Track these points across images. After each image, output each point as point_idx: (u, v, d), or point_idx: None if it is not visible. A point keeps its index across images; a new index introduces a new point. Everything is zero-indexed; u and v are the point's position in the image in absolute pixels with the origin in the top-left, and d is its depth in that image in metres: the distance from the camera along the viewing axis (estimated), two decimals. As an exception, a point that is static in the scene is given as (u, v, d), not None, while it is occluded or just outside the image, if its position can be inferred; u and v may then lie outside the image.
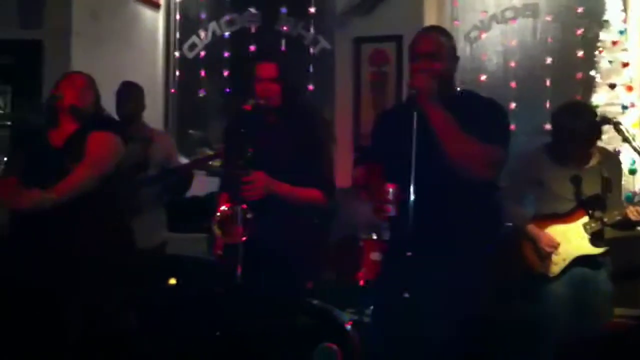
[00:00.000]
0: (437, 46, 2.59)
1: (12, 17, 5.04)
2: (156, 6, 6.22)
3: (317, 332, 3.38)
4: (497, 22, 5.49)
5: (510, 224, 3.61)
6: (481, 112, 2.56)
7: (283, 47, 5.91)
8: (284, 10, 5.96)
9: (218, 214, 2.88)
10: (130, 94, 4.19)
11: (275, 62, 3.07)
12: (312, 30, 5.88)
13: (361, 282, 3.67)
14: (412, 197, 2.36)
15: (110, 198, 3.16)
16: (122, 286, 3.14)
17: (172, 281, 4.02)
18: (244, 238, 2.79)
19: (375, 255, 3.61)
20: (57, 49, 5.16)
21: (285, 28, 5.97)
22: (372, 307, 3.24)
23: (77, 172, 3.04)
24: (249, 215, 2.83)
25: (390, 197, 2.42)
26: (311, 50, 5.89)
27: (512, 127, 4.95)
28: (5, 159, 3.88)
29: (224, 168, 3.29)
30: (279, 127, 3.02)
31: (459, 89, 2.73)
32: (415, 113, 2.41)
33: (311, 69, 5.82)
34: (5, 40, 5.06)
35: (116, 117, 4.00)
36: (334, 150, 3.30)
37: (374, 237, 3.77)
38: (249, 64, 3.12)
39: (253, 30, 6.06)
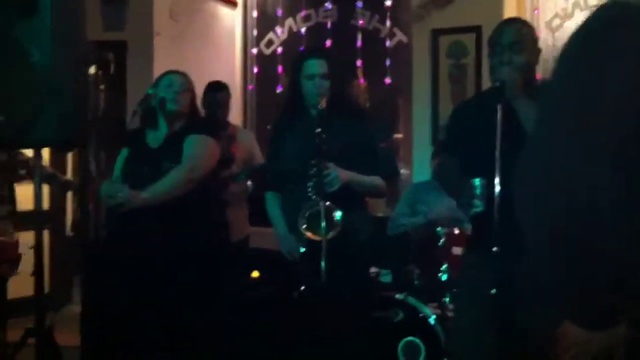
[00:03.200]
0: (520, 37, 2.54)
1: (97, 19, 5.21)
2: (233, 4, 6.31)
3: (401, 326, 3.37)
4: (580, 10, 5.31)
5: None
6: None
7: (359, 42, 5.90)
8: (359, 4, 5.95)
9: (305, 211, 2.88)
10: (222, 97, 4.25)
11: (324, 58, 3.08)
12: (388, 23, 5.85)
13: (444, 277, 3.63)
14: (497, 192, 2.32)
15: (204, 195, 3.21)
16: (213, 280, 3.20)
17: (255, 274, 4.08)
18: (330, 235, 2.80)
19: (457, 250, 3.57)
20: (139, 49, 5.31)
21: (361, 22, 5.96)
22: (455, 302, 3.21)
23: (173, 175, 3.09)
24: (336, 213, 2.83)
25: (478, 191, 2.38)
26: (387, 43, 5.86)
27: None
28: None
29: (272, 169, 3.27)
30: (330, 122, 3.02)
31: (541, 80, 2.67)
32: (499, 106, 2.37)
33: (388, 63, 5.80)
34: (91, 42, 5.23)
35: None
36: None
37: (456, 231, 3.73)
38: (296, 61, 3.14)
39: (329, 25, 6.07)
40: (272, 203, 3.20)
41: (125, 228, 3.12)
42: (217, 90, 4.25)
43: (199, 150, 3.17)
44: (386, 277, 4.22)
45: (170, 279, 3.05)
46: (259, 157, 4.39)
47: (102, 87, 5.09)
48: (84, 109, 3.08)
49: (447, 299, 3.58)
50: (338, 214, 2.84)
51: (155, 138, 3.27)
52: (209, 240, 3.21)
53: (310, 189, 2.90)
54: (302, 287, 2.93)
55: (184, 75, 3.36)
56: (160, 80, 3.34)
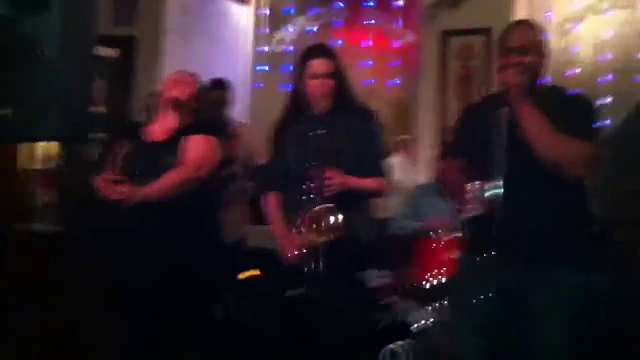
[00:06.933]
0: (528, 40, 2.53)
1: (107, 14, 5.22)
2: (245, 1, 6.32)
3: (393, 329, 3.37)
4: (592, 14, 5.29)
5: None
6: (571, 109, 2.49)
7: (369, 41, 5.90)
8: (370, 4, 5.95)
9: (309, 213, 2.87)
10: (221, 96, 4.25)
11: (329, 57, 3.07)
12: (398, 23, 5.84)
13: (438, 281, 3.61)
14: (500, 195, 2.32)
15: (203, 195, 3.21)
16: (210, 279, 3.20)
17: (253, 273, 4.09)
18: (330, 237, 2.80)
19: (454, 253, 3.55)
20: (149, 44, 5.32)
21: (371, 22, 5.96)
22: (450, 305, 3.20)
23: (174, 174, 3.08)
24: (338, 215, 2.83)
25: (477, 194, 2.38)
26: (397, 43, 5.86)
27: (608, 122, 4.79)
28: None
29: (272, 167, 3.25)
30: (334, 121, 3.01)
31: (548, 83, 2.66)
32: (504, 109, 2.37)
33: (397, 63, 5.79)
34: (100, 37, 5.24)
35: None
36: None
37: (453, 235, 3.71)
38: (300, 60, 3.13)
39: (339, 24, 6.07)
40: (273, 203, 3.18)
41: (122, 224, 3.12)
42: (218, 88, 4.25)
43: (202, 150, 3.17)
44: (381, 280, 4.20)
45: (165, 277, 3.04)
46: (261, 156, 4.38)
47: (107, 82, 5.11)
48: (91, 103, 3.08)
49: (441, 303, 3.56)
50: (339, 217, 2.83)
51: (157, 132, 3.27)
52: (205, 240, 3.21)
53: (310, 191, 2.89)
54: (300, 289, 2.92)
55: (192, 73, 3.38)
56: (168, 78, 3.35)
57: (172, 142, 3.18)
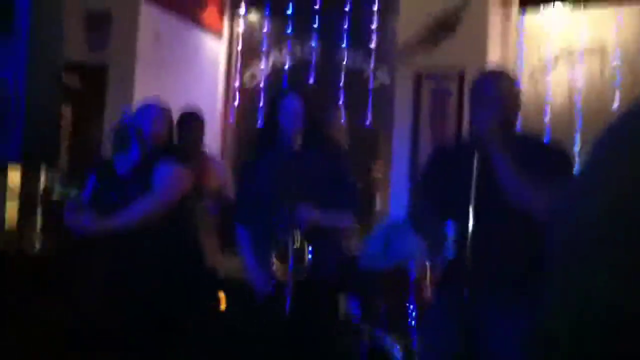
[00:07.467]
0: (501, 89, 2.54)
1: (80, 41, 5.17)
2: (219, 35, 6.31)
3: (368, 358, 3.36)
4: (564, 62, 5.36)
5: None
6: (545, 157, 2.49)
7: (342, 81, 5.91)
8: (345, 43, 5.97)
9: (274, 249, 2.89)
10: (192, 127, 4.21)
11: (302, 96, 3.10)
12: (372, 64, 5.86)
13: (412, 311, 3.64)
14: (469, 237, 2.31)
15: (174, 224, 3.16)
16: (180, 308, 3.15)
17: (221, 295, 4.03)
18: (299, 274, 2.82)
19: (427, 287, 3.58)
20: (121, 73, 5.27)
21: (345, 61, 5.97)
22: (420, 342, 3.20)
23: (140, 204, 3.05)
24: (307, 252, 2.84)
25: (450, 236, 2.37)
26: (370, 84, 5.87)
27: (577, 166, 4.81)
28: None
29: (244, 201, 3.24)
30: (303, 157, 3.02)
31: (522, 131, 2.67)
32: (476, 157, 2.36)
33: (370, 103, 5.80)
34: (72, 63, 5.18)
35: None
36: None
37: (427, 268, 3.73)
38: (274, 97, 3.18)
39: (313, 62, 6.07)
40: (243, 237, 3.18)
41: (93, 253, 3.06)
42: (190, 121, 4.21)
43: (171, 180, 3.13)
44: (354, 309, 4.19)
45: (135, 306, 2.98)
46: (231, 189, 4.34)
47: (74, 110, 5.03)
48: (55, 128, 3.03)
49: (414, 334, 3.58)
50: (309, 253, 2.84)
51: (125, 165, 3.22)
52: (176, 270, 3.15)
53: (280, 227, 2.90)
54: (268, 321, 2.91)
55: (162, 103, 3.35)
56: (138, 109, 3.34)
57: (141, 173, 3.14)
